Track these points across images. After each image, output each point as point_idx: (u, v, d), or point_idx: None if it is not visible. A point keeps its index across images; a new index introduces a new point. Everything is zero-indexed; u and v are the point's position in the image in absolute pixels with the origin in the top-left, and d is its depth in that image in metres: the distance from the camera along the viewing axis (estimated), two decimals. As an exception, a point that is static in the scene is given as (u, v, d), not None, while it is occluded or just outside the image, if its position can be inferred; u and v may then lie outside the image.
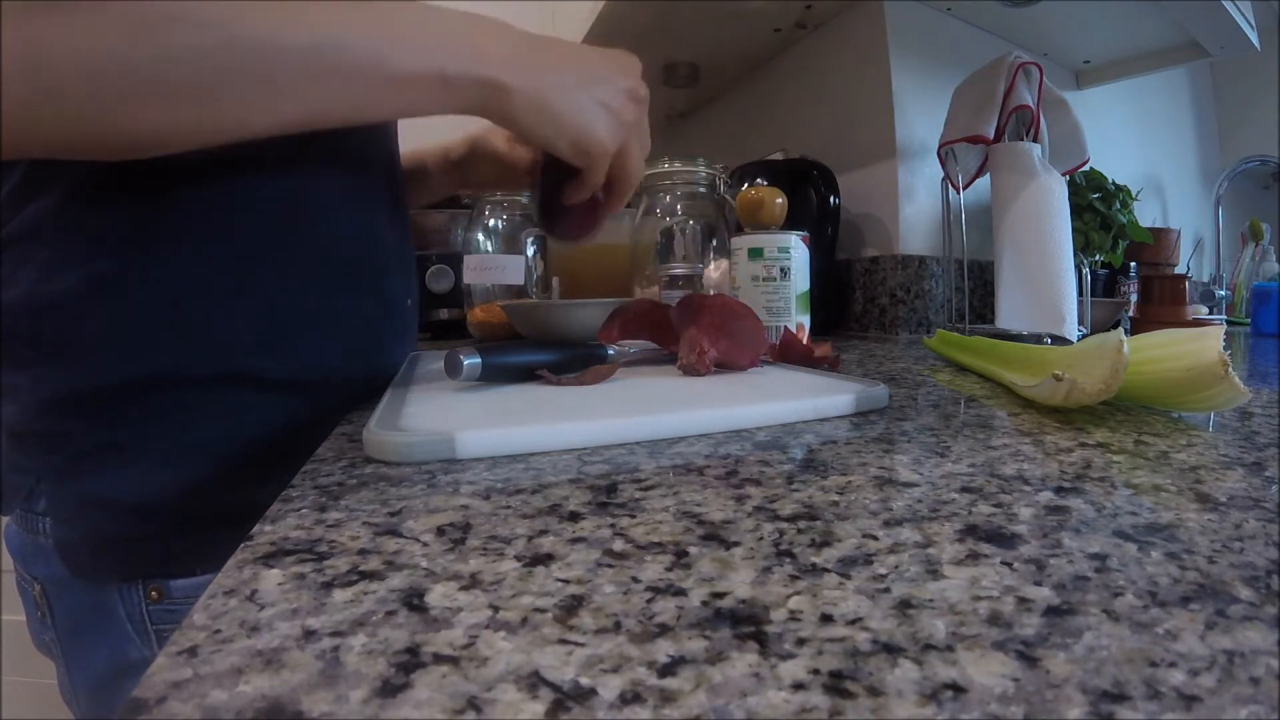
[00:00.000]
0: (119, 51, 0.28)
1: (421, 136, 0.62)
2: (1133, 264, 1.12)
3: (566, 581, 0.16)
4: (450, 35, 0.36)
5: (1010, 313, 0.77)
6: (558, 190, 0.46)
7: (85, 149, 0.31)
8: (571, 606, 0.14)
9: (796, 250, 0.63)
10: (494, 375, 0.39)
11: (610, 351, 0.46)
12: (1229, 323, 1.25)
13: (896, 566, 0.16)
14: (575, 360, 0.42)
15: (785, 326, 0.62)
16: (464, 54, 0.36)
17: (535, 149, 0.47)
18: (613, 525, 0.19)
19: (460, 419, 0.30)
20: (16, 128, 0.28)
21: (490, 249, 1.00)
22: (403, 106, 0.36)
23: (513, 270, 0.95)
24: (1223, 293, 1.30)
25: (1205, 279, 1.46)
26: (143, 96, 0.29)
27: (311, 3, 0.33)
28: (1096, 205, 0.91)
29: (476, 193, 0.97)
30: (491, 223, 1.00)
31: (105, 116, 0.29)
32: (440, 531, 0.19)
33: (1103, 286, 1.13)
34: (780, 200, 0.64)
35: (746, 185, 0.95)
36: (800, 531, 0.19)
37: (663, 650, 0.13)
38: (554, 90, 0.39)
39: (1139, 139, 1.41)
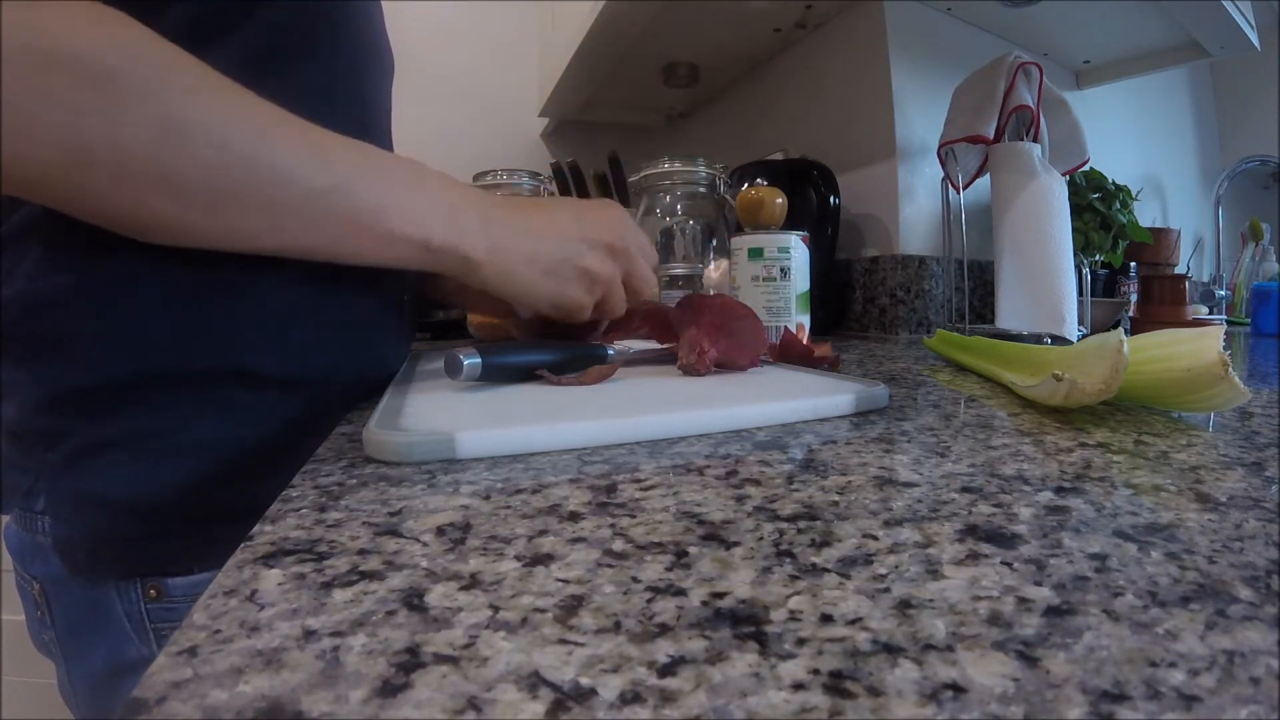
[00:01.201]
0: (150, 143, 0.29)
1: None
2: (1133, 264, 1.12)
3: (566, 581, 0.16)
4: (436, 202, 0.39)
5: (1010, 313, 0.77)
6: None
7: (90, 217, 0.33)
8: (571, 606, 0.14)
9: (796, 250, 0.63)
10: (494, 375, 0.39)
11: (610, 351, 0.46)
12: (1229, 323, 1.25)
13: (896, 566, 0.16)
14: (575, 360, 0.42)
15: (785, 326, 0.62)
16: (446, 224, 0.39)
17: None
18: (613, 525, 0.19)
19: (460, 419, 0.29)
20: (35, 182, 0.30)
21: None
22: (384, 259, 0.38)
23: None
24: (1223, 293, 1.30)
25: (1205, 279, 1.46)
26: (157, 191, 0.31)
27: (332, 143, 0.35)
28: (1096, 205, 0.91)
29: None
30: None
31: (119, 197, 0.31)
32: (440, 531, 0.19)
33: (1103, 286, 1.13)
34: (780, 200, 0.64)
35: (746, 185, 0.95)
36: (800, 531, 0.19)
37: (663, 650, 0.13)
38: (521, 263, 0.42)
39: (1139, 139, 1.41)
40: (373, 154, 0.37)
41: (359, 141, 0.36)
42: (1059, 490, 0.22)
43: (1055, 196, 0.77)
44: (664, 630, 0.13)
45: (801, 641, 0.13)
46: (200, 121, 0.30)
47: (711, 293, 0.65)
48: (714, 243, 0.84)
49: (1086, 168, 0.87)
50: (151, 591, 0.40)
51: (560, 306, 0.44)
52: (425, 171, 0.40)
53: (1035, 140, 0.81)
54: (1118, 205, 0.92)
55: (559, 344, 0.43)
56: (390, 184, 0.37)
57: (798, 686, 0.11)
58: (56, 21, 0.27)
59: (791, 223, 0.66)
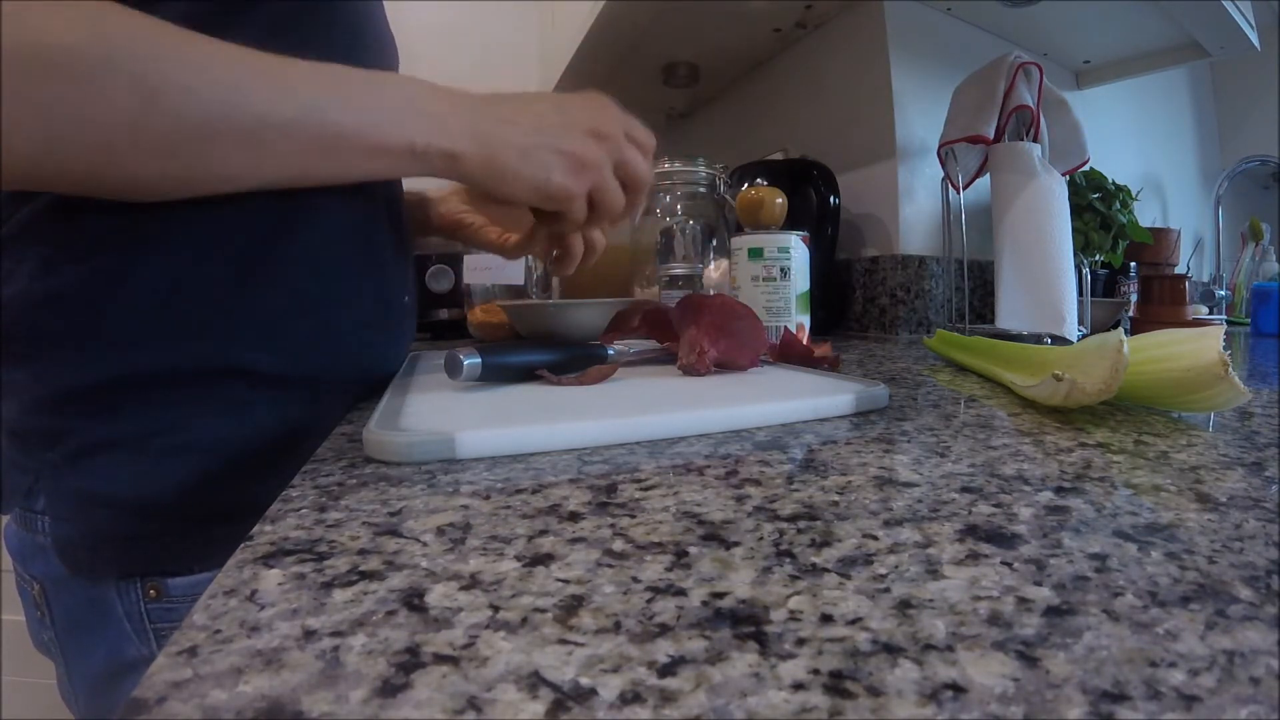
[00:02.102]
0: (129, 118, 0.30)
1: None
2: (1133, 264, 1.12)
3: (566, 581, 0.16)
4: (416, 107, 0.39)
5: (1010, 313, 0.77)
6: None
7: (79, 192, 0.33)
8: (571, 606, 0.14)
9: (796, 250, 0.63)
10: (494, 375, 0.39)
11: (610, 351, 0.46)
12: (1229, 323, 1.25)
13: (896, 566, 0.16)
14: (575, 360, 0.42)
15: (785, 326, 0.62)
16: (429, 126, 0.39)
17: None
18: (613, 525, 0.19)
19: (460, 419, 0.29)
20: (18, 172, 0.30)
21: (490, 249, 1.00)
22: (374, 171, 0.39)
23: (513, 270, 0.95)
24: (1223, 293, 1.30)
25: (1205, 279, 1.46)
26: (142, 157, 0.32)
27: (300, 74, 0.35)
28: (1096, 205, 0.91)
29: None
30: (491, 223, 1.00)
31: (105, 170, 0.32)
32: (440, 531, 0.19)
33: (1103, 286, 1.13)
34: (780, 200, 0.64)
35: (746, 185, 0.95)
36: (800, 531, 0.19)
37: (663, 650, 0.13)
38: (504, 150, 0.41)
39: (1139, 139, 1.41)
40: (341, 73, 0.37)
41: (329, 64, 0.36)
42: (1059, 490, 0.22)
43: (1055, 196, 0.77)
44: (664, 630, 0.13)
45: (801, 641, 0.13)
46: (176, 86, 0.31)
47: (711, 293, 0.65)
48: (714, 243, 0.84)
49: (1086, 168, 0.87)
50: (151, 591, 0.40)
51: (548, 195, 0.43)
52: (397, 79, 0.40)
53: (1035, 140, 0.81)
54: (1118, 205, 0.92)
55: (559, 344, 0.43)
56: (365, 98, 0.37)
57: (798, 686, 0.11)
58: (13, 17, 0.27)
59: (791, 223, 0.66)
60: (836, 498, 0.21)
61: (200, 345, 0.39)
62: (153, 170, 0.33)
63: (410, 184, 0.58)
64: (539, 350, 0.41)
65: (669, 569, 0.16)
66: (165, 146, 0.32)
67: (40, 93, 0.28)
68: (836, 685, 0.11)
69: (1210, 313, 1.15)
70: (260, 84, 0.34)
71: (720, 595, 0.15)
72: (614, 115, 0.46)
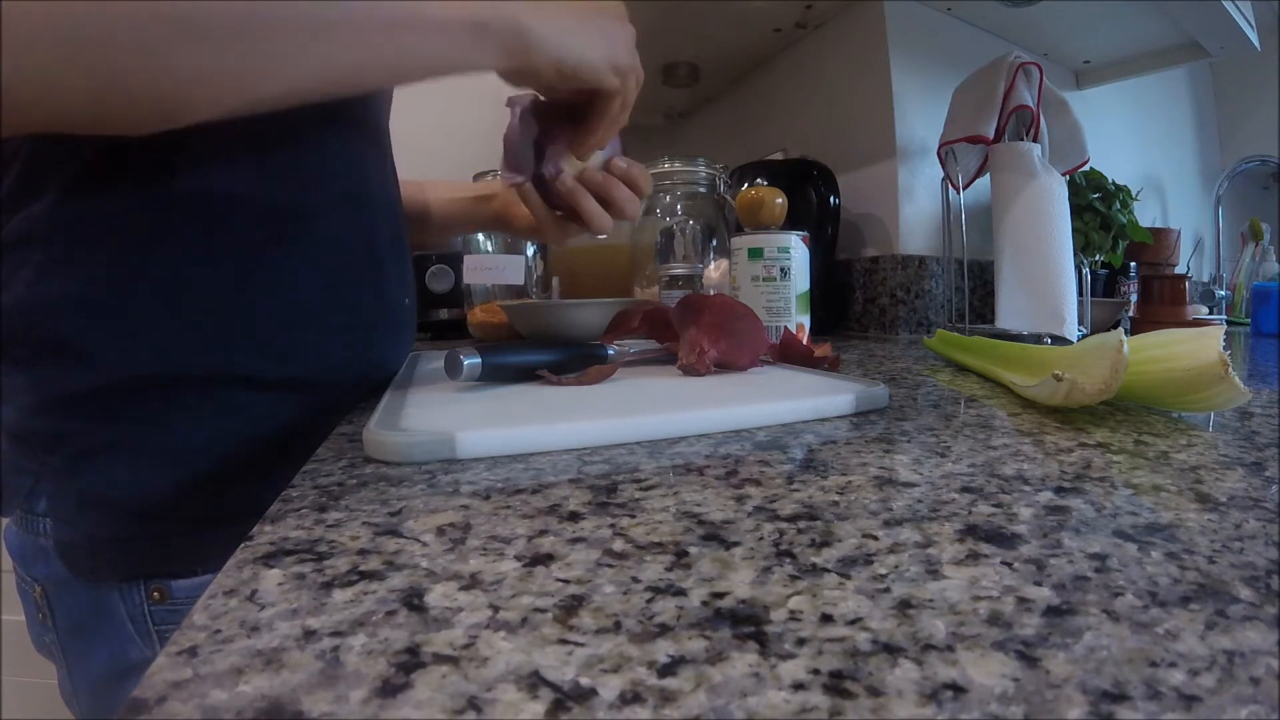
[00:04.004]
0: (147, 3, 0.26)
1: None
2: (1133, 264, 1.12)
3: (566, 581, 0.16)
4: None
5: (1010, 313, 0.77)
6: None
7: (119, 115, 0.30)
8: (571, 606, 0.14)
9: (796, 250, 0.63)
10: (494, 375, 0.39)
11: (610, 351, 0.46)
12: (1229, 323, 1.25)
13: (896, 566, 0.16)
14: (575, 360, 0.42)
15: (785, 326, 0.62)
16: (492, 3, 0.36)
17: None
18: (613, 525, 0.19)
19: (460, 419, 0.29)
20: (47, 95, 0.27)
21: (490, 249, 1.00)
22: (438, 57, 0.36)
23: (513, 270, 0.95)
24: (1223, 293, 1.30)
25: (1205, 279, 1.46)
26: (174, 48, 0.28)
27: None
28: (1096, 205, 0.91)
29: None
30: (491, 223, 1.00)
31: (137, 73, 0.27)
32: (440, 531, 0.19)
33: (1103, 286, 1.13)
34: (780, 200, 0.64)
35: (746, 185, 0.95)
36: (800, 531, 0.19)
37: (663, 650, 0.13)
38: (570, 28, 0.39)
39: (1139, 139, 1.41)
40: None
41: None
42: (1059, 490, 0.22)
43: (1055, 196, 0.77)
44: (664, 630, 0.13)
45: (801, 641, 0.13)
46: None
47: (711, 293, 0.65)
48: (714, 243, 0.84)
49: (1086, 168, 0.87)
50: (155, 594, 0.40)
51: (617, 67, 0.42)
52: None
53: (1035, 140, 0.81)
54: (1118, 205, 0.92)
55: (559, 344, 0.43)
56: None
57: (798, 686, 0.11)
58: None
59: (791, 223, 0.66)
60: (836, 498, 0.21)
61: (201, 351, 0.39)
62: (189, 65, 0.28)
63: (408, 179, 0.58)
64: (539, 350, 0.41)
65: (669, 569, 0.16)
66: (194, 31, 0.28)
67: None
68: (836, 685, 0.11)
69: (1210, 313, 1.15)
70: None
71: (720, 595, 0.15)
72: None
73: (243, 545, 0.18)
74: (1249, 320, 1.16)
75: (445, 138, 1.35)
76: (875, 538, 0.18)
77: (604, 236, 0.53)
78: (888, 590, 0.15)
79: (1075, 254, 0.81)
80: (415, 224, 0.65)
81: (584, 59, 0.40)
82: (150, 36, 0.27)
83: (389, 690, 0.11)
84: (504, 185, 0.62)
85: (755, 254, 0.63)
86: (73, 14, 0.25)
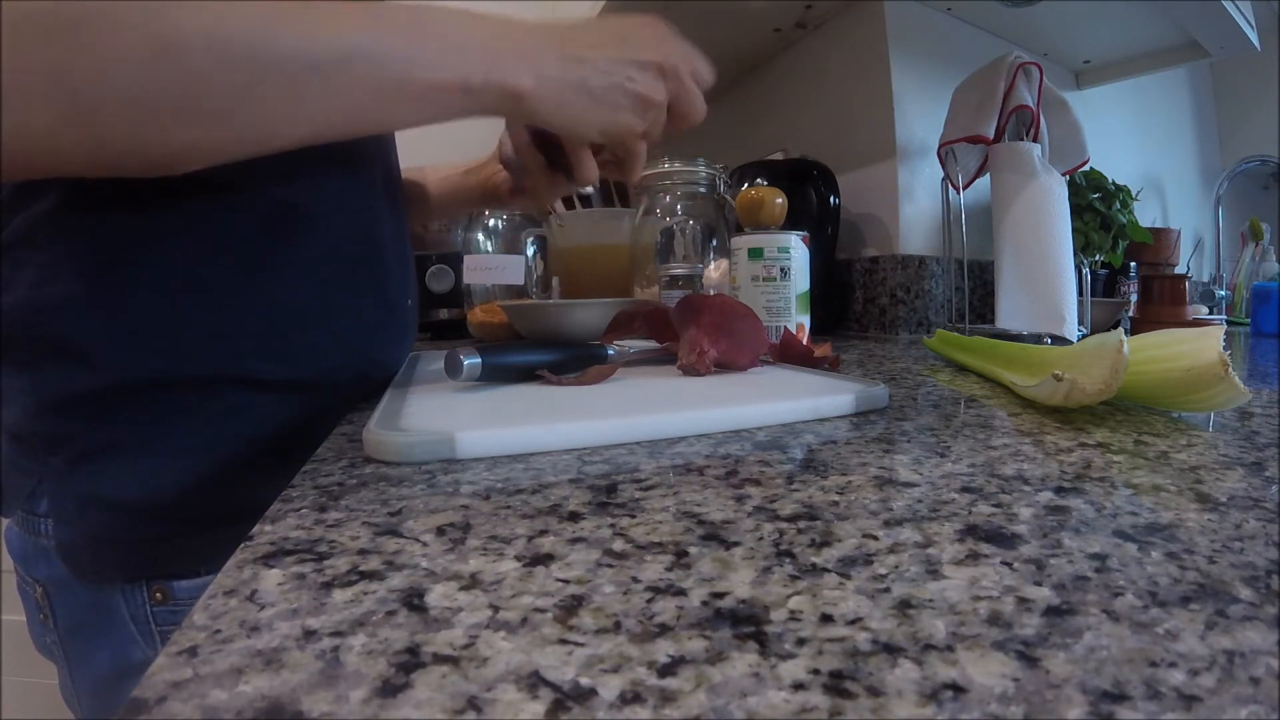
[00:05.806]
0: (145, 73, 0.27)
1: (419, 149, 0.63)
2: (1133, 264, 1.12)
3: (566, 581, 0.16)
4: (469, 42, 0.36)
5: (1010, 313, 0.77)
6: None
7: (116, 168, 0.30)
8: (571, 606, 0.14)
9: (796, 250, 0.63)
10: (494, 375, 0.39)
11: (610, 351, 0.46)
12: (1229, 323, 1.25)
13: (896, 566, 0.16)
14: (575, 360, 0.42)
15: (785, 326, 0.62)
16: (483, 61, 0.36)
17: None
18: (613, 525, 0.19)
19: (460, 419, 0.29)
20: (45, 150, 0.28)
21: (490, 249, 1.00)
22: (426, 115, 0.36)
23: (513, 270, 0.95)
24: (1223, 293, 1.30)
25: (1205, 279, 1.46)
26: (171, 116, 0.29)
27: (338, 11, 0.32)
28: (1096, 205, 0.91)
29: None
30: (491, 223, 1.00)
31: (134, 137, 0.29)
32: (440, 531, 0.19)
33: (1103, 286, 1.13)
34: (780, 200, 0.64)
35: (746, 185, 0.95)
36: (800, 531, 0.19)
37: (663, 650, 0.13)
38: (571, 91, 0.39)
39: (1139, 139, 1.41)
40: (386, 10, 0.34)
41: (369, 1, 0.34)
42: (1059, 490, 0.22)
43: (1055, 196, 0.77)
44: (664, 630, 0.13)
45: (801, 641, 0.13)
46: (191, 32, 0.28)
47: (711, 293, 0.65)
48: (714, 243, 0.84)
49: (1086, 168, 0.87)
50: (157, 594, 0.40)
51: (612, 134, 0.42)
52: (447, 13, 0.36)
53: (1035, 140, 0.81)
54: (1118, 205, 0.92)
55: (559, 344, 0.43)
56: (412, 35, 0.35)
57: (798, 686, 0.11)
58: None
59: (791, 223, 0.66)
60: (836, 498, 0.21)
61: (202, 352, 0.39)
62: (184, 134, 0.30)
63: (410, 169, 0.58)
64: (539, 350, 0.41)
65: (669, 569, 0.16)
66: (190, 101, 0.29)
67: (42, 56, 0.26)
68: (836, 685, 0.11)
69: (1210, 313, 1.15)
70: (298, 27, 0.31)
71: (720, 595, 0.15)
72: (677, 46, 0.44)
73: (242, 545, 0.18)
74: (1249, 320, 1.16)
75: (448, 128, 1.35)
76: (875, 538, 0.18)
77: (589, 190, 0.52)
78: (888, 590, 0.15)
79: (1075, 254, 0.81)
80: (416, 207, 0.66)
81: (572, 125, 0.40)
82: (145, 107, 0.28)
83: (389, 690, 0.11)
84: (489, 155, 0.63)
85: (755, 254, 0.63)
86: (72, 81, 0.26)
